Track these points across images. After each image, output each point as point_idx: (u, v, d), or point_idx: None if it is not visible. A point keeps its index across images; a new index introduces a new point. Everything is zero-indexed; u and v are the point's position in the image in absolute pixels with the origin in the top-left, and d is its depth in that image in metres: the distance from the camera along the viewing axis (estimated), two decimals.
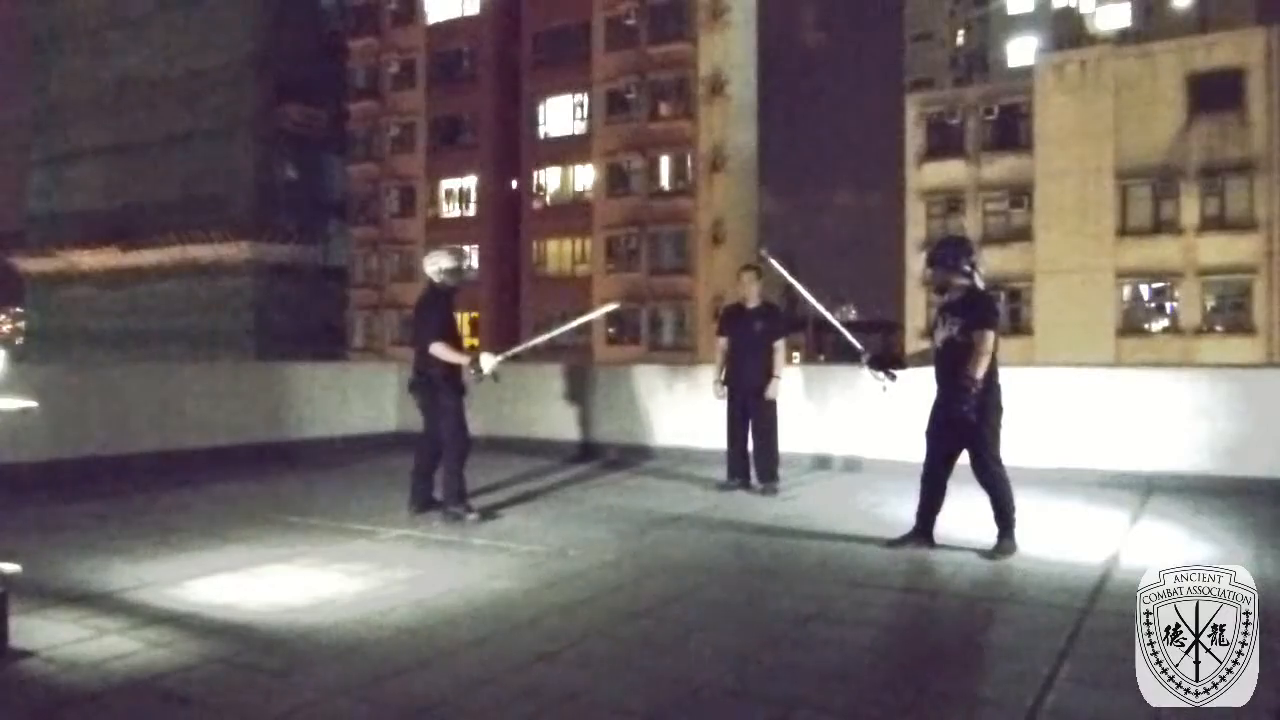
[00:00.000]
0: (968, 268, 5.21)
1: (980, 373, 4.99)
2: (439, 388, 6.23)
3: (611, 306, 7.98)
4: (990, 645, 3.66)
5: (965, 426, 5.06)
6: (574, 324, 7.93)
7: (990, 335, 5.05)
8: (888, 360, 5.82)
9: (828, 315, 7.39)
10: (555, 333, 7.90)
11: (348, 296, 44.96)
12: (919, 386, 5.47)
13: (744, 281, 7.66)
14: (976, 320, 5.09)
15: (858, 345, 6.13)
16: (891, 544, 5.33)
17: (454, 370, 6.18)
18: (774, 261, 7.38)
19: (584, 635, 3.78)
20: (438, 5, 42.32)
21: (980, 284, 5.24)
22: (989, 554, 5.08)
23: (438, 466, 6.38)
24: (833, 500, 7.05)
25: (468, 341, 38.13)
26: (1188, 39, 31.81)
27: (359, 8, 44.28)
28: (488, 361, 6.17)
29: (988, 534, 5.21)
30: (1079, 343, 29.64)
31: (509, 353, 6.75)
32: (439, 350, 6.12)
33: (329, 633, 3.79)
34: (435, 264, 6.40)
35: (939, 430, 5.25)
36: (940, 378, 5.25)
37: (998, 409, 5.15)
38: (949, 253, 5.30)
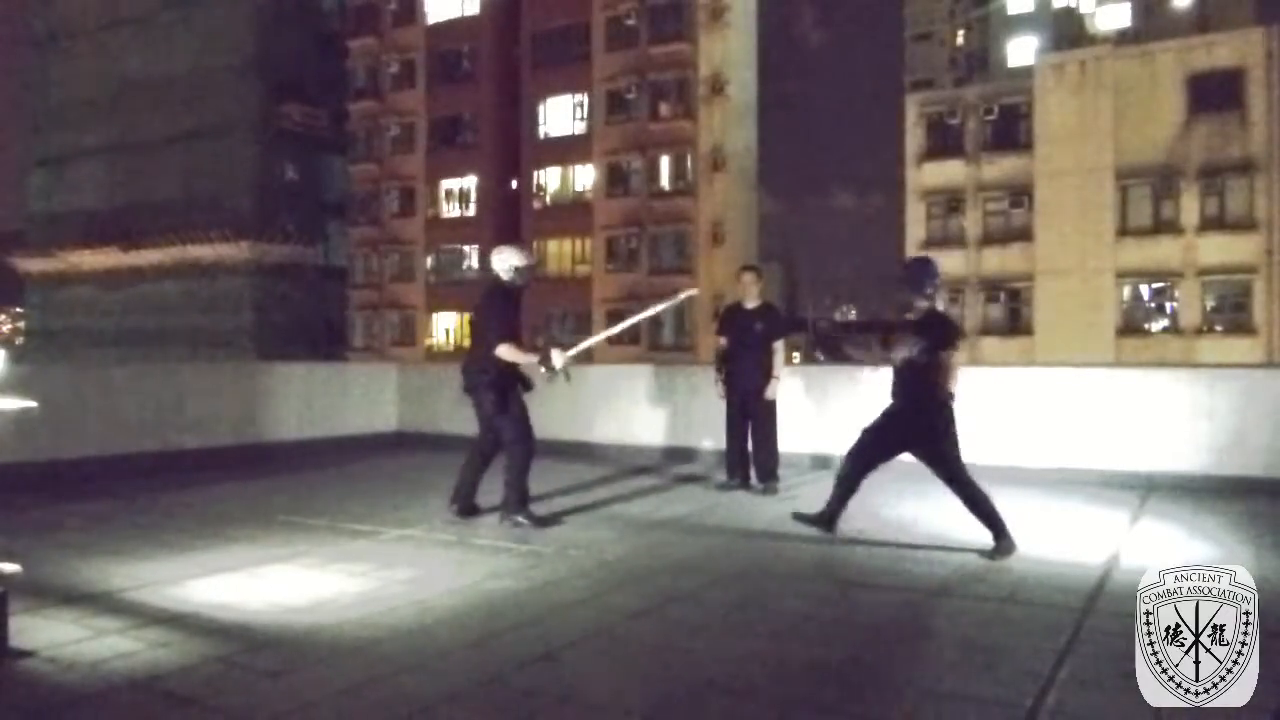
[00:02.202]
0: (930, 290, 5.39)
1: (955, 387, 5.25)
2: (497, 389, 5.93)
3: (691, 292, 7.85)
4: (990, 645, 3.65)
5: (930, 440, 5.28)
6: (652, 311, 7.68)
7: (956, 354, 5.31)
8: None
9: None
10: (632, 322, 7.66)
11: (348, 296, 44.98)
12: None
13: (743, 282, 7.66)
14: (943, 340, 5.28)
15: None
16: (799, 517, 5.76)
17: (514, 369, 5.95)
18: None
19: (584, 635, 3.78)
20: (438, 5, 42.33)
21: (940, 306, 5.44)
22: (988, 554, 5.10)
23: (485, 471, 6.24)
24: None
25: (458, 341, 38.17)
26: (1188, 39, 31.80)
27: (359, 8, 44.28)
28: (558, 358, 5.87)
29: (980, 532, 5.21)
30: (1079, 343, 29.65)
31: (579, 348, 6.45)
32: (507, 351, 5.84)
33: (329, 633, 3.78)
34: (506, 261, 6.13)
35: (883, 436, 5.45)
36: (897, 394, 5.43)
37: (953, 420, 5.34)
38: (917, 274, 5.46)
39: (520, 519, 5.97)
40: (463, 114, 41.52)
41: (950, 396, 5.21)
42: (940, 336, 5.26)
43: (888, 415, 5.46)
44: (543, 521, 6.03)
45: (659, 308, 7.74)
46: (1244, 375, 8.41)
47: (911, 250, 33.85)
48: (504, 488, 6.05)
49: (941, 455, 5.27)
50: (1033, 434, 7.92)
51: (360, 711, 3.03)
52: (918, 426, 5.30)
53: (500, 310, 6.02)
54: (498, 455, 6.19)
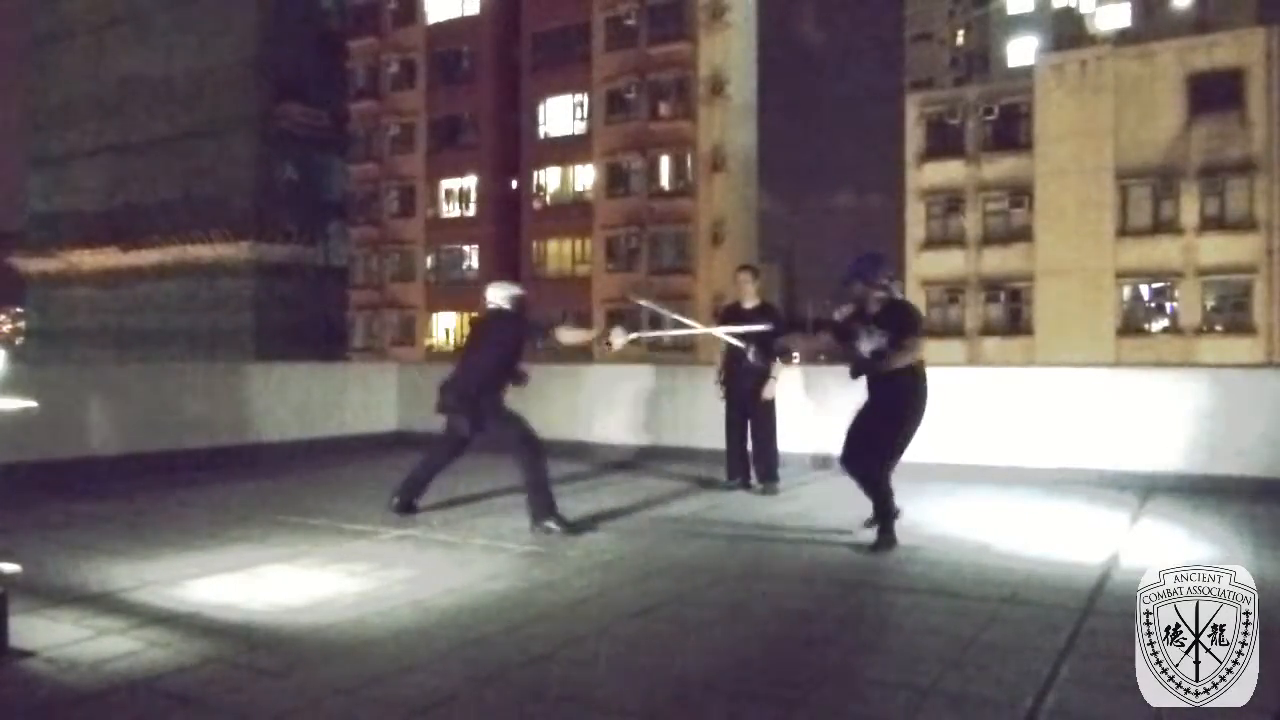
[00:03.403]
0: (885, 281, 5.44)
1: (900, 362, 5.26)
2: (491, 404, 6.03)
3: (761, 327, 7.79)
4: (990, 645, 3.65)
5: (887, 424, 5.30)
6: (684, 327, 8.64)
7: (919, 339, 5.34)
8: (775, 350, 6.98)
9: (705, 329, 8.22)
10: (690, 330, 8.71)
11: (348, 296, 44.99)
12: (929, 387, 5.47)
13: (741, 282, 7.66)
14: (908, 327, 5.32)
15: (739, 344, 7.12)
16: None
17: (500, 385, 6.10)
18: (643, 301, 9.01)
19: (584, 635, 3.78)
20: (438, 5, 42.34)
21: (897, 295, 5.49)
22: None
23: (435, 475, 6.34)
24: (833, 500, 7.05)
25: (458, 341, 37.99)
26: (1188, 39, 31.79)
27: (359, 8, 44.31)
28: (618, 337, 6.42)
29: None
30: (1079, 343, 29.64)
31: (644, 336, 7.35)
32: (568, 334, 6.66)
33: (329, 633, 3.78)
34: (506, 291, 6.40)
35: (864, 427, 5.44)
36: (873, 388, 5.43)
37: (916, 413, 5.32)
38: (868, 268, 5.49)
39: (550, 525, 5.72)
40: (463, 114, 41.54)
41: (914, 374, 5.25)
42: (903, 324, 5.31)
43: (868, 413, 5.44)
44: (574, 528, 5.77)
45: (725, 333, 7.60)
46: (1244, 375, 8.41)
47: (911, 250, 33.87)
48: (529, 496, 5.86)
49: (888, 433, 5.30)
50: (1033, 434, 7.91)
51: (360, 711, 3.03)
52: (888, 411, 5.33)
53: (524, 325, 6.35)
54: (457, 460, 6.37)
